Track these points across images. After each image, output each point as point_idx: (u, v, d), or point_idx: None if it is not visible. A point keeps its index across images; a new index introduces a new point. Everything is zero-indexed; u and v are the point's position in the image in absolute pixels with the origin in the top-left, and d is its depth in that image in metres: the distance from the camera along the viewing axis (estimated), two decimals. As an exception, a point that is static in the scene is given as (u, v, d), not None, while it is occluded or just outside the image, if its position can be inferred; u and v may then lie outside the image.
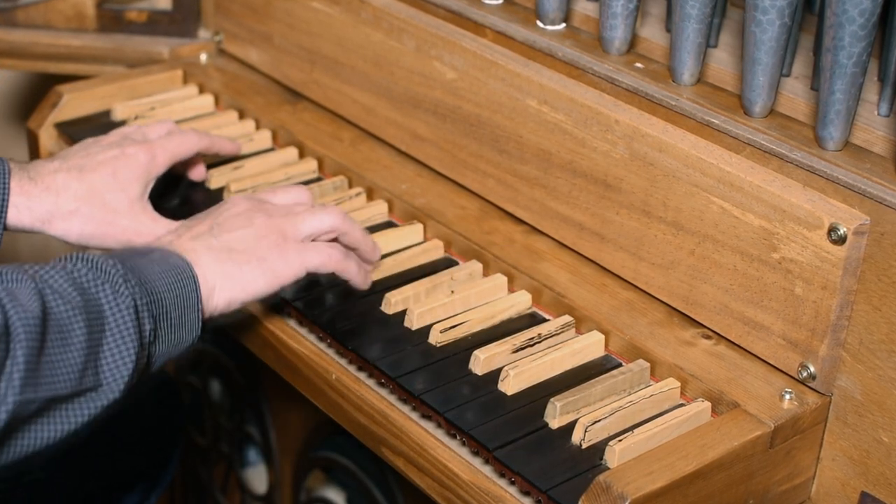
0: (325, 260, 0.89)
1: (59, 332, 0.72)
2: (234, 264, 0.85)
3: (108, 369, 0.75)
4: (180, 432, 1.20)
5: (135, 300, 0.77)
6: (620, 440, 0.80)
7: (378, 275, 0.98)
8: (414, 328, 0.92)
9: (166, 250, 0.84)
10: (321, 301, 0.95)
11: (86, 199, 0.95)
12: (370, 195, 1.08)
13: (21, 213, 0.94)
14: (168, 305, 0.80)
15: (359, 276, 0.92)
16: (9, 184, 0.93)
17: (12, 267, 0.74)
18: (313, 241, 0.91)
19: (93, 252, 0.79)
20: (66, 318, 0.73)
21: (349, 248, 0.94)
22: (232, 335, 1.01)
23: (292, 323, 0.96)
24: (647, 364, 0.88)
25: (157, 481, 1.16)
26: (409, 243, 1.02)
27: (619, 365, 0.90)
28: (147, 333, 0.78)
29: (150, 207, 0.99)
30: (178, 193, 1.09)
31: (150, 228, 0.97)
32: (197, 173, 1.09)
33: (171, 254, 0.83)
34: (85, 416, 0.75)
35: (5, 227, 0.94)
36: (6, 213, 0.93)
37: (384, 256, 0.99)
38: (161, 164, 1.01)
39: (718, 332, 0.89)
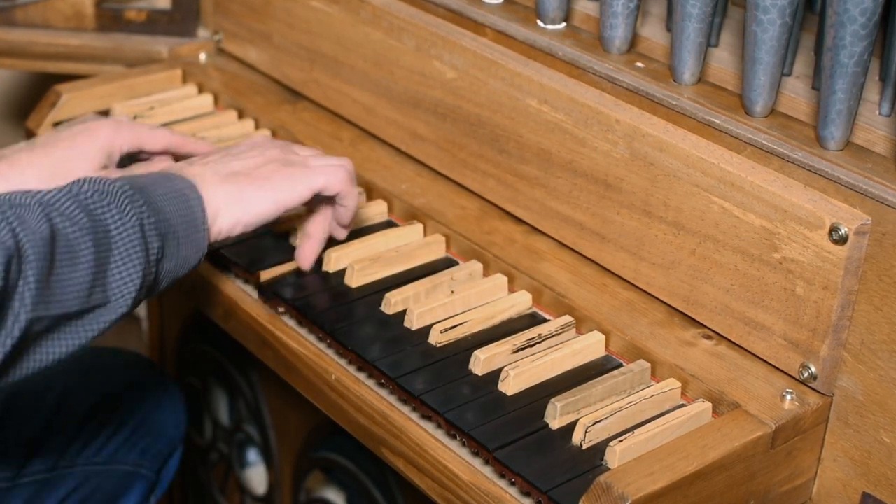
0: (331, 180, 0.91)
1: (67, 253, 0.75)
2: (237, 187, 0.88)
3: (116, 286, 0.78)
4: (181, 433, 1.20)
5: (141, 219, 0.79)
6: (621, 441, 0.80)
7: (378, 275, 0.98)
8: (414, 328, 0.92)
9: (173, 174, 0.86)
10: (321, 301, 0.95)
11: (50, 172, 0.97)
12: (370, 195, 1.08)
13: None
14: (175, 224, 0.82)
15: (354, 207, 0.95)
16: None
17: (21, 192, 0.76)
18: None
19: (97, 177, 0.82)
20: (73, 238, 0.75)
21: (337, 212, 0.96)
22: (231, 336, 1.01)
23: (292, 323, 0.95)
24: (648, 364, 0.88)
25: (157, 482, 1.16)
26: (409, 243, 1.01)
27: (620, 365, 0.89)
28: (155, 250, 0.80)
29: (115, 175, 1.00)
30: None
31: None
32: (202, 152, 1.09)
33: (178, 177, 0.86)
34: (94, 332, 0.78)
35: None
36: None
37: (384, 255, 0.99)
38: (126, 140, 1.01)
39: (719, 332, 0.89)
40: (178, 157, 1.06)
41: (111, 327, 0.79)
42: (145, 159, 1.05)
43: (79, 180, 0.80)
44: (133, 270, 0.78)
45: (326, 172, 0.92)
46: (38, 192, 0.77)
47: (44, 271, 0.72)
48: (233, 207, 0.87)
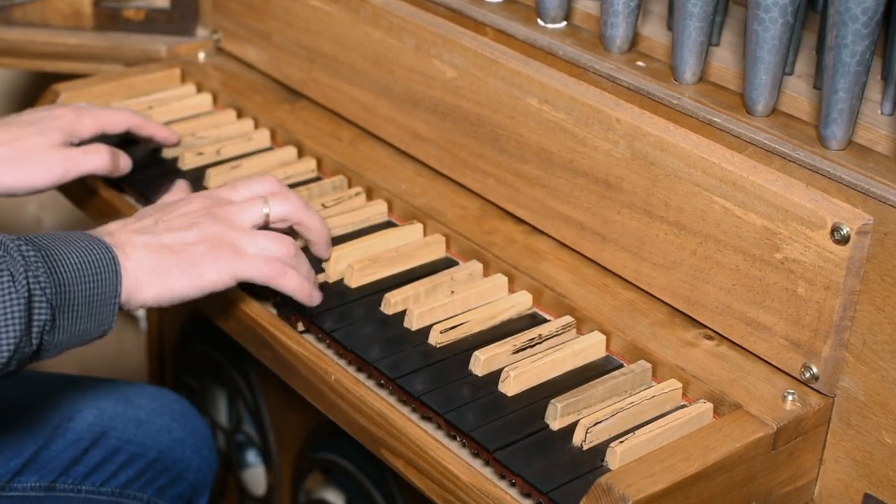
0: (255, 273, 0.90)
1: None
2: (162, 264, 0.87)
3: None
4: (206, 478, 1.15)
5: (30, 290, 0.77)
6: (622, 441, 0.79)
7: (378, 275, 0.97)
8: (414, 329, 0.92)
9: (97, 241, 0.84)
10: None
11: (5, 147, 0.98)
12: (369, 195, 1.08)
13: None
14: (76, 296, 0.81)
15: (299, 291, 0.91)
16: None
17: None
18: (267, 228, 0.93)
19: (15, 237, 0.80)
20: None
21: (306, 238, 0.95)
22: (230, 336, 1.00)
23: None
24: (649, 365, 0.88)
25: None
26: (409, 243, 1.01)
27: (621, 366, 0.89)
28: (41, 323, 0.79)
29: (64, 151, 1.01)
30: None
31: (64, 156, 0.99)
32: (164, 139, 1.09)
33: (101, 245, 0.84)
34: None
35: None
36: None
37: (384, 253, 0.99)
38: (87, 127, 1.03)
39: (720, 332, 0.89)
40: (140, 139, 1.09)
41: None
42: (114, 142, 1.07)
43: None
44: (6, 342, 0.76)
45: (254, 265, 0.89)
46: None
47: None
48: (156, 282, 0.86)
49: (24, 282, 0.77)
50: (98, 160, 1.02)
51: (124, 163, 1.06)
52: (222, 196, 0.94)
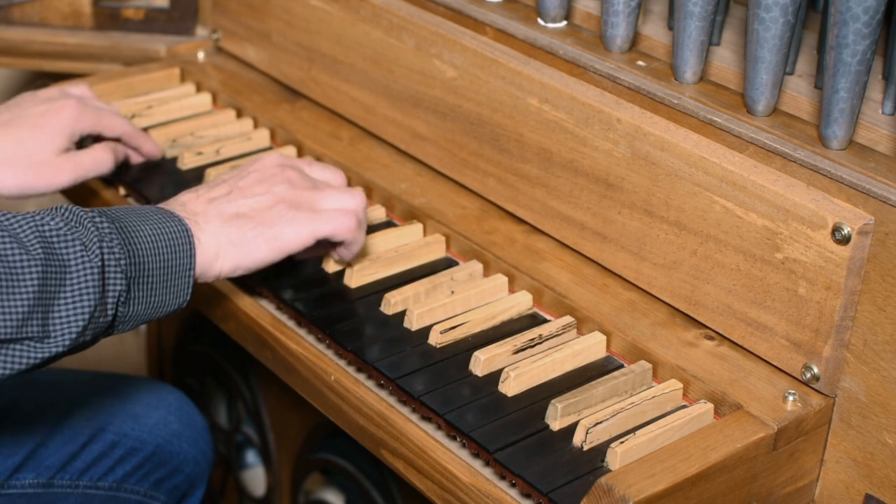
0: (335, 229, 0.89)
1: (7, 279, 0.73)
2: (239, 231, 0.86)
3: (59, 322, 0.76)
4: (202, 470, 1.15)
5: (103, 259, 0.77)
6: (622, 442, 0.79)
7: (377, 275, 0.97)
8: (414, 329, 0.91)
9: (170, 213, 0.84)
10: (320, 301, 0.94)
11: (12, 151, 0.98)
12: (369, 194, 1.08)
13: None
14: (151, 268, 0.80)
15: (354, 253, 0.93)
16: None
17: None
18: None
19: (89, 210, 0.79)
20: (18, 265, 0.73)
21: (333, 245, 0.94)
22: (230, 336, 1.00)
23: (291, 323, 0.95)
24: (650, 365, 0.87)
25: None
26: (409, 243, 1.01)
27: (621, 366, 0.89)
28: (116, 293, 0.78)
29: (73, 150, 1.01)
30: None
31: (71, 162, 1.00)
32: (149, 152, 1.09)
33: (173, 217, 0.83)
34: (20, 364, 0.75)
35: None
36: None
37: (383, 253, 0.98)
38: (87, 123, 1.03)
39: (721, 332, 0.89)
40: (127, 146, 1.09)
41: (44, 365, 0.77)
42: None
43: (58, 207, 0.78)
44: (80, 311, 0.76)
45: (335, 220, 0.89)
46: (6, 215, 0.76)
47: None
48: (233, 251, 0.86)
49: (98, 251, 0.77)
50: (104, 165, 1.03)
51: (121, 152, 1.07)
52: (298, 164, 0.94)
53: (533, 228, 1.01)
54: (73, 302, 0.76)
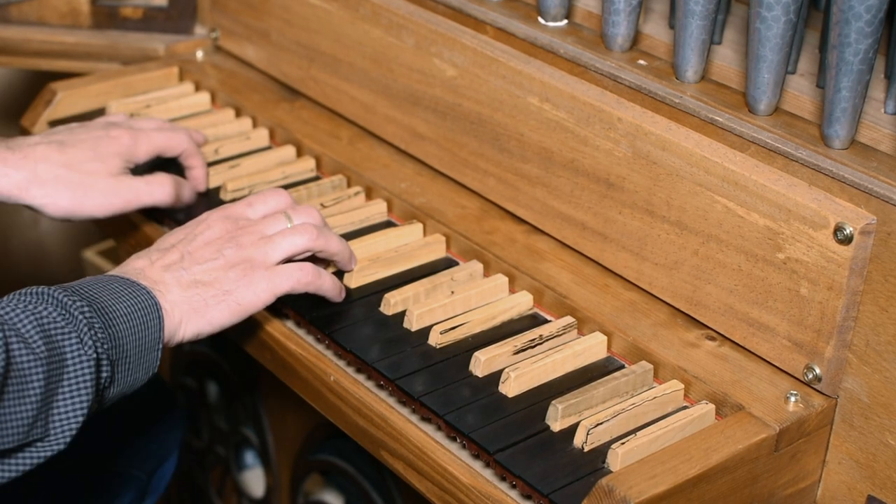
0: (294, 284, 0.89)
1: (18, 385, 0.70)
2: (200, 299, 0.85)
3: (59, 421, 0.74)
4: (175, 437, 1.18)
5: (96, 350, 0.76)
6: (623, 443, 0.79)
7: (377, 275, 0.97)
8: (413, 329, 0.91)
9: (136, 284, 0.83)
10: (319, 302, 0.94)
11: (64, 170, 0.96)
12: (369, 194, 1.07)
13: None
14: (129, 348, 0.79)
15: (333, 290, 0.91)
16: None
17: None
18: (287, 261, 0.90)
19: (58, 288, 0.77)
20: (27, 369, 0.71)
21: (329, 259, 0.93)
22: (229, 337, 1.00)
23: (290, 324, 0.94)
24: (651, 366, 0.87)
25: (149, 484, 1.14)
26: (409, 243, 1.01)
27: (622, 367, 0.88)
28: (104, 380, 0.77)
29: (128, 174, 1.00)
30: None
31: (128, 186, 0.98)
32: (195, 178, 1.07)
33: (140, 289, 0.82)
34: (24, 468, 0.73)
35: None
36: None
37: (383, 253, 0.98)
38: (143, 153, 1.01)
39: (723, 333, 0.88)
40: (184, 163, 1.06)
41: (43, 464, 0.75)
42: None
43: (41, 293, 0.76)
44: (79, 406, 0.74)
45: (290, 276, 0.88)
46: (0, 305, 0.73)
47: None
48: (194, 318, 0.85)
49: (91, 343, 0.75)
50: (161, 194, 1.00)
51: (188, 194, 1.03)
52: (240, 214, 0.92)
53: (533, 228, 1.00)
54: (72, 398, 0.74)
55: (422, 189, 1.06)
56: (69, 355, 0.74)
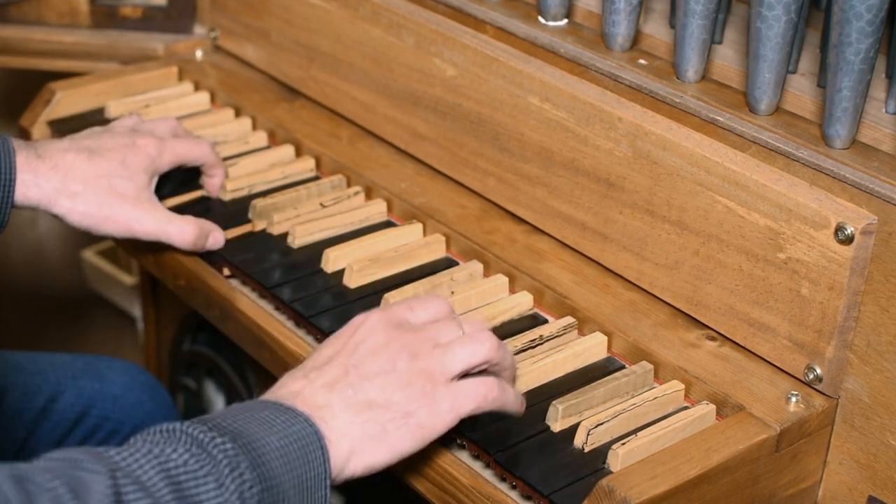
0: (480, 402, 0.76)
1: None
2: (376, 424, 0.72)
3: None
4: None
5: (242, 494, 0.64)
6: (623, 443, 0.79)
7: (377, 275, 0.97)
8: (413, 329, 0.91)
9: (291, 411, 0.70)
10: (319, 302, 0.94)
11: (93, 182, 0.95)
12: (369, 194, 1.07)
13: (29, 189, 0.94)
14: (286, 490, 0.67)
15: (516, 405, 0.79)
16: (16, 161, 0.93)
17: (93, 452, 0.62)
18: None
19: (197, 423, 0.66)
20: None
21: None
22: (228, 337, 0.99)
23: (289, 324, 0.94)
24: (651, 366, 0.87)
25: None
26: (409, 243, 1.00)
27: (623, 367, 0.88)
28: None
29: (154, 198, 0.99)
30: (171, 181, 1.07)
31: (153, 218, 0.97)
32: (212, 186, 1.07)
33: (296, 417, 0.70)
34: None
35: (14, 205, 0.94)
36: (14, 189, 0.93)
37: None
38: (166, 163, 1.01)
39: (723, 333, 0.88)
40: (205, 173, 1.05)
41: None
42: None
43: (173, 430, 0.65)
44: None
45: (476, 395, 0.75)
46: (118, 451, 0.63)
47: None
48: (370, 448, 0.72)
49: (233, 486, 0.64)
50: (180, 240, 0.96)
51: (212, 241, 0.98)
52: (402, 318, 0.78)
53: (533, 228, 1.00)
54: None
55: (422, 189, 1.06)
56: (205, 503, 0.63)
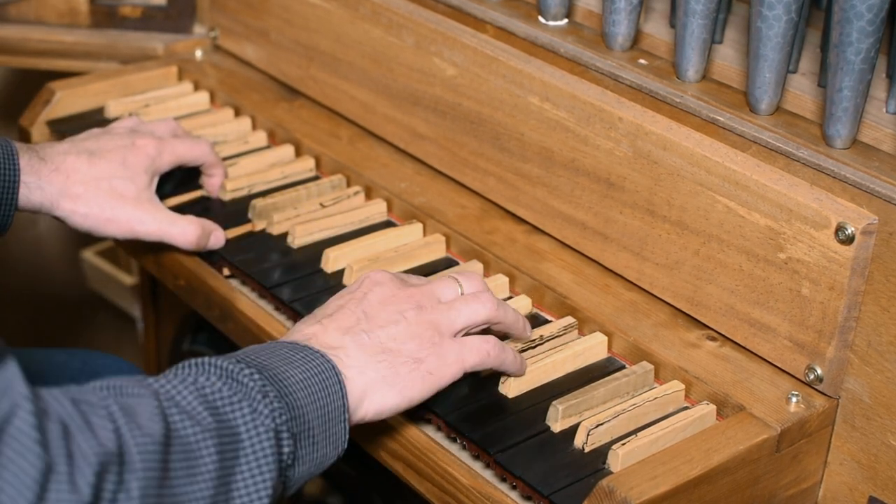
0: (483, 358, 0.80)
1: (185, 461, 0.62)
2: (389, 367, 0.75)
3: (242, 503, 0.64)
4: None
5: (274, 420, 0.67)
6: (624, 444, 0.79)
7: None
8: (413, 329, 0.90)
9: (309, 349, 0.73)
10: (319, 302, 0.93)
11: (94, 184, 0.95)
12: (368, 194, 1.07)
13: (31, 192, 0.94)
14: (311, 420, 0.70)
15: (514, 365, 0.83)
16: (19, 164, 0.93)
17: (134, 380, 0.65)
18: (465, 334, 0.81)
19: (223, 358, 0.69)
20: (194, 443, 0.63)
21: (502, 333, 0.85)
22: (228, 337, 0.99)
23: (290, 324, 0.94)
24: (651, 366, 0.87)
25: None
26: (409, 243, 1.00)
27: (623, 367, 0.88)
28: (286, 457, 0.68)
29: (155, 199, 0.99)
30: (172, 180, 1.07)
31: (154, 219, 0.96)
32: (212, 186, 1.06)
33: (315, 354, 0.73)
34: None
35: (17, 208, 0.94)
36: (18, 192, 0.93)
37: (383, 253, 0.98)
38: (166, 163, 1.01)
39: (724, 333, 0.88)
40: (204, 173, 1.05)
41: None
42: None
43: (204, 364, 0.68)
44: (262, 486, 0.65)
45: (479, 350, 0.79)
46: (157, 379, 0.66)
47: (153, 482, 0.59)
48: (383, 389, 0.74)
49: (269, 412, 0.66)
50: (182, 240, 0.97)
51: (214, 241, 0.98)
52: (403, 275, 0.84)
53: (534, 228, 1.00)
54: (253, 476, 0.65)
55: (422, 189, 1.06)
56: (242, 428, 0.65)
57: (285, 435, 0.68)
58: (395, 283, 0.81)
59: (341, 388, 0.72)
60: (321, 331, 0.76)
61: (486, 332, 0.83)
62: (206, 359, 0.69)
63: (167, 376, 0.68)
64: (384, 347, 0.76)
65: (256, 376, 0.68)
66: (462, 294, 0.82)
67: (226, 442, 0.65)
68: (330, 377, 0.72)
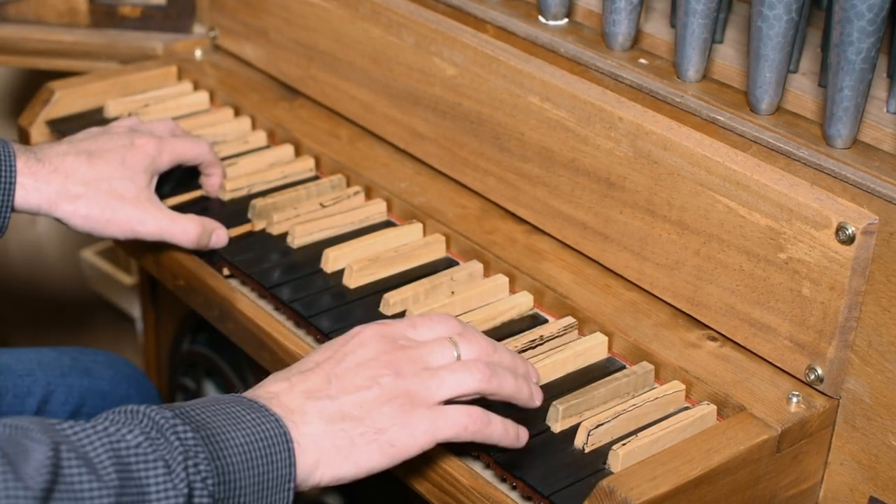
0: (458, 431, 0.75)
1: None
2: (346, 437, 0.72)
3: None
4: None
5: (189, 485, 0.65)
6: (624, 444, 0.78)
7: (377, 275, 0.96)
8: (413, 329, 0.90)
9: (263, 410, 0.70)
10: (318, 302, 0.93)
11: (93, 184, 0.95)
12: (368, 194, 1.07)
13: (29, 193, 0.93)
14: (244, 487, 0.67)
15: (506, 439, 0.77)
16: (15, 165, 0.92)
17: (43, 424, 0.62)
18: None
19: (164, 408, 0.67)
20: (88, 498, 0.61)
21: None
22: (227, 337, 0.99)
23: (289, 324, 0.94)
24: (652, 366, 0.87)
25: None
26: (409, 243, 1.00)
27: (623, 367, 0.88)
28: None
29: (155, 198, 0.99)
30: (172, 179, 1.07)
31: (154, 218, 0.96)
32: (211, 185, 1.06)
33: (269, 417, 0.70)
34: None
35: (14, 209, 0.93)
36: (14, 193, 0.92)
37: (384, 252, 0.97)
38: (165, 162, 1.00)
39: (724, 333, 0.88)
40: (203, 172, 1.05)
41: None
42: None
43: (135, 412, 0.66)
44: None
45: (456, 423, 0.74)
46: (67, 425, 0.64)
47: None
48: (337, 459, 0.72)
49: (184, 474, 0.64)
50: (183, 238, 0.96)
51: (216, 240, 0.98)
52: (400, 333, 0.78)
53: (534, 228, 1.00)
54: None
55: (421, 189, 1.05)
56: (153, 489, 0.63)
57: (204, 498, 0.65)
58: (382, 343, 0.76)
59: (290, 456, 0.70)
60: (287, 390, 0.73)
61: (483, 400, 0.78)
62: (143, 408, 0.67)
63: (92, 424, 0.65)
64: (346, 415, 0.72)
65: (189, 434, 0.66)
66: (458, 359, 0.77)
67: (128, 501, 0.63)
68: (278, 443, 0.69)
